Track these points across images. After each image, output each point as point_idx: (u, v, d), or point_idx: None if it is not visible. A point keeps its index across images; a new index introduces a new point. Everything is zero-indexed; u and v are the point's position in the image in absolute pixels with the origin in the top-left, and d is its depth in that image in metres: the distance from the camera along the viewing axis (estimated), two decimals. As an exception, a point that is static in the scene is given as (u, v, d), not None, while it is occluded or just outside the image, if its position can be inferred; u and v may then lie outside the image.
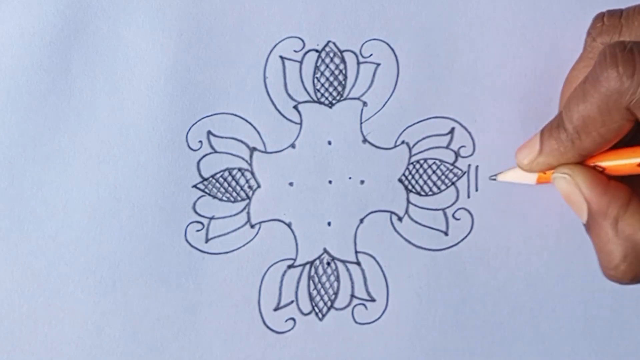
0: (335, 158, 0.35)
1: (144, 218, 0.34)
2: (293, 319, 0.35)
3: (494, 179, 0.33)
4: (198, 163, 0.35)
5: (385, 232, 0.35)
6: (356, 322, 0.35)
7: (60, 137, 0.34)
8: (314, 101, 0.35)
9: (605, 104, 0.27)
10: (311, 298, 0.35)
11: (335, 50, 0.35)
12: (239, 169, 0.35)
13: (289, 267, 0.35)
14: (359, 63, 0.35)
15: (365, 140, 0.35)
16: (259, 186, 0.35)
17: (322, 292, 0.35)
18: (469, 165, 0.35)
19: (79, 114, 0.34)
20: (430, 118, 0.35)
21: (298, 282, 0.35)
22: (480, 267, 0.35)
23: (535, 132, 0.31)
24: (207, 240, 0.35)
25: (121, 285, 0.34)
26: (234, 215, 0.35)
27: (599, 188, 0.29)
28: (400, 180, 0.35)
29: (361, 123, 0.35)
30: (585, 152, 0.29)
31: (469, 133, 0.35)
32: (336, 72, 0.35)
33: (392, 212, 0.35)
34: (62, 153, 0.34)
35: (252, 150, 0.35)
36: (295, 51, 0.35)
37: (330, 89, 0.35)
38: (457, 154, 0.35)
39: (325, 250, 0.35)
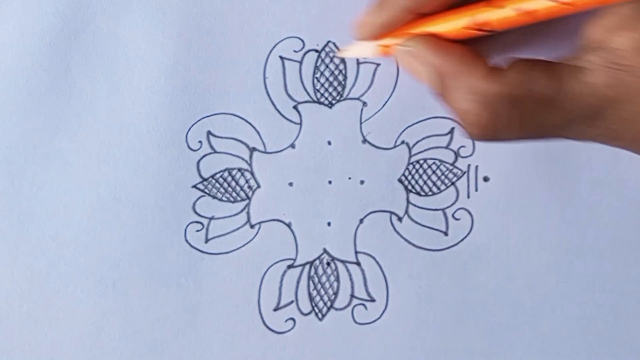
0: (335, 158, 0.35)
1: (144, 218, 0.34)
2: (293, 319, 0.35)
3: (338, 57, 0.34)
4: (198, 163, 0.35)
5: (385, 232, 0.35)
6: (356, 322, 0.35)
7: (60, 137, 0.34)
8: (314, 101, 0.35)
9: None
10: (311, 298, 0.35)
11: (335, 50, 0.35)
12: (239, 169, 0.35)
13: (289, 267, 0.35)
14: (358, 63, 0.35)
15: (365, 141, 0.35)
16: (258, 186, 0.35)
17: (322, 292, 0.35)
18: (469, 165, 0.35)
19: (79, 114, 0.34)
20: (430, 118, 0.35)
21: (298, 282, 0.35)
22: (480, 267, 0.35)
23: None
24: (206, 241, 0.35)
25: (121, 285, 0.34)
26: (234, 215, 0.35)
27: (444, 50, 0.29)
28: (400, 181, 0.35)
29: (361, 123, 0.35)
30: (422, 3, 0.29)
31: (469, 133, 0.35)
32: (336, 72, 0.35)
33: (392, 212, 0.35)
34: (62, 153, 0.34)
35: (252, 150, 0.35)
36: (295, 51, 0.35)
37: (330, 89, 0.35)
38: (457, 154, 0.35)
39: (325, 251, 0.35)
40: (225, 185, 0.35)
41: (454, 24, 0.29)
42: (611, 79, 0.27)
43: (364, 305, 0.35)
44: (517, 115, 0.28)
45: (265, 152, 0.35)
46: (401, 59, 0.30)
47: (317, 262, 0.35)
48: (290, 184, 0.35)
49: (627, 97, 0.27)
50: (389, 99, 0.35)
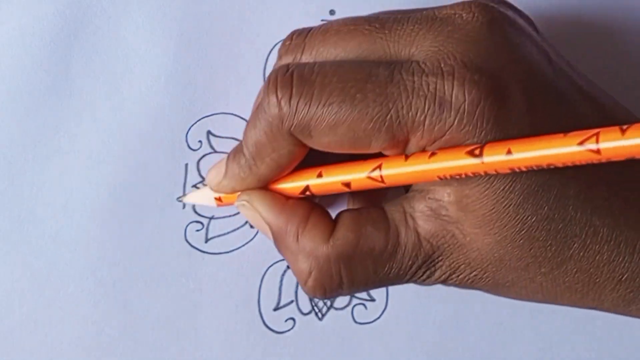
0: (335, 158, 0.35)
1: (144, 218, 0.34)
2: (293, 318, 0.35)
3: (180, 201, 0.34)
4: (198, 163, 0.35)
5: (385, 232, 0.35)
6: (356, 321, 0.35)
7: (60, 137, 0.34)
8: (314, 101, 0.35)
9: (270, 130, 0.28)
10: (311, 298, 0.35)
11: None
12: (239, 169, 0.35)
13: (289, 267, 0.35)
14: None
15: (365, 140, 0.35)
16: (258, 186, 0.35)
17: (322, 292, 0.35)
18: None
19: (79, 114, 0.34)
20: (430, 118, 0.35)
21: (298, 282, 0.35)
22: (480, 267, 0.35)
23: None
24: (207, 240, 0.35)
25: (121, 285, 0.34)
26: (234, 215, 0.35)
27: (275, 208, 0.29)
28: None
29: (361, 123, 0.35)
30: (263, 177, 0.29)
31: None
32: (336, 72, 0.35)
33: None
34: (62, 153, 0.34)
35: (252, 150, 0.35)
36: (295, 51, 0.35)
37: (330, 89, 0.35)
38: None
39: (325, 250, 0.35)
40: (225, 185, 0.35)
41: (285, 187, 0.30)
42: (436, 227, 0.27)
43: (363, 304, 0.35)
44: (347, 273, 0.28)
45: (265, 152, 0.35)
46: (240, 209, 0.30)
47: (317, 262, 0.35)
48: (290, 184, 0.35)
49: (452, 247, 0.27)
50: (388, 98, 0.35)
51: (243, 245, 0.35)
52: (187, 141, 0.35)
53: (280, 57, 0.31)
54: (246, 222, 0.35)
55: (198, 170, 0.35)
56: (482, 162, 0.25)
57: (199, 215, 0.35)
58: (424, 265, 0.28)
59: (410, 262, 0.28)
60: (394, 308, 0.35)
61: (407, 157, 0.27)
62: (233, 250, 0.35)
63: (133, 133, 0.34)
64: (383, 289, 0.35)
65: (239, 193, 0.30)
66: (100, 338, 0.34)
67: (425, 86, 0.26)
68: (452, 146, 0.26)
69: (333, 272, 0.28)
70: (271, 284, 0.35)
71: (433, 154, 0.26)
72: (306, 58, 0.29)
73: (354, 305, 0.35)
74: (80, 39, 0.35)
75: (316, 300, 0.35)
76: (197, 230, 0.35)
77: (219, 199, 0.31)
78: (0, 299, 0.34)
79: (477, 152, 0.25)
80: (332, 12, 0.35)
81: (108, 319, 0.34)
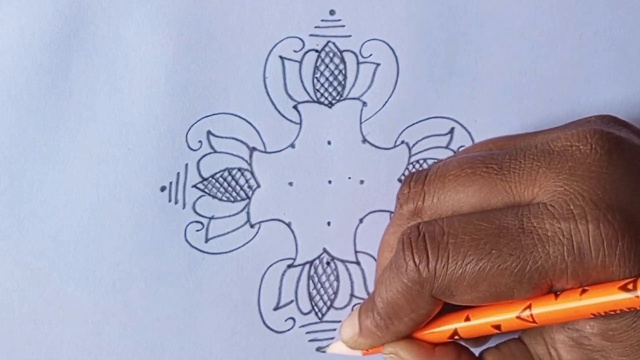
0: (335, 158, 0.35)
1: (144, 218, 0.34)
2: (293, 318, 0.35)
3: (324, 352, 0.34)
4: (198, 163, 0.35)
5: (385, 232, 0.35)
6: (356, 322, 0.35)
7: (60, 137, 0.34)
8: (314, 101, 0.35)
9: (410, 293, 0.28)
10: (311, 298, 0.35)
11: (335, 50, 0.35)
12: (239, 169, 0.35)
13: (289, 266, 0.35)
14: (358, 63, 0.35)
15: (365, 140, 0.35)
16: (258, 186, 0.35)
17: (322, 291, 0.35)
18: (469, 165, 0.35)
19: (79, 114, 0.34)
20: (430, 118, 0.35)
21: (298, 282, 0.35)
22: (480, 267, 0.35)
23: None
24: (206, 240, 0.35)
25: (121, 285, 0.34)
26: (234, 215, 0.35)
27: (424, 358, 0.29)
28: (400, 180, 0.35)
29: (361, 123, 0.35)
30: (401, 334, 0.30)
31: (469, 133, 0.35)
32: (336, 72, 0.35)
33: (392, 212, 0.35)
34: (62, 153, 0.34)
35: (252, 150, 0.35)
36: (294, 51, 0.35)
37: (330, 89, 0.35)
38: (456, 154, 0.35)
39: (324, 250, 0.35)
40: (225, 185, 0.35)
41: (432, 333, 0.30)
42: (581, 357, 0.28)
43: (364, 305, 0.35)
44: None
45: (265, 152, 0.35)
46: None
47: (317, 261, 0.35)
48: (290, 184, 0.35)
49: None
50: (389, 99, 0.35)
51: (243, 245, 0.35)
52: (187, 141, 0.35)
53: (400, 205, 0.31)
54: (246, 222, 0.35)
55: (198, 170, 0.35)
56: (637, 296, 0.25)
57: (199, 215, 0.35)
58: None
59: None
60: (394, 308, 0.35)
61: (557, 295, 0.27)
62: (233, 250, 0.35)
63: (133, 133, 0.34)
64: (383, 289, 0.35)
65: (384, 345, 0.30)
66: (100, 338, 0.34)
67: (559, 233, 0.26)
68: (599, 283, 0.26)
69: None
70: (271, 284, 0.35)
71: (584, 290, 0.26)
72: (427, 205, 0.30)
73: (354, 305, 0.35)
74: (80, 39, 0.35)
75: (316, 300, 0.35)
76: (197, 230, 0.35)
77: (366, 350, 0.32)
78: (0, 299, 0.34)
79: (630, 286, 0.25)
80: (332, 12, 0.35)
81: (108, 319, 0.34)
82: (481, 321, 0.29)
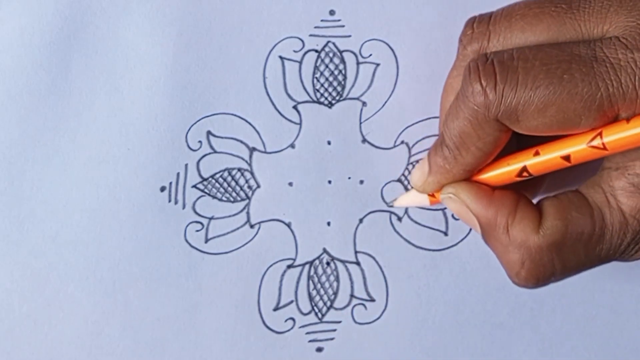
0: (335, 158, 0.35)
1: (144, 218, 0.34)
2: (293, 318, 0.35)
3: (391, 206, 0.35)
4: (198, 163, 0.35)
5: (385, 232, 0.35)
6: (356, 321, 0.35)
7: (60, 137, 0.34)
8: (314, 101, 0.35)
9: (476, 118, 0.28)
10: (311, 298, 0.35)
11: (335, 50, 0.35)
12: (239, 169, 0.35)
13: (289, 267, 0.35)
14: (358, 63, 0.35)
15: (364, 140, 0.35)
16: (258, 186, 0.35)
17: (322, 292, 0.35)
18: (469, 165, 0.35)
19: (79, 114, 0.34)
20: (430, 118, 0.35)
21: (297, 282, 0.35)
22: (480, 267, 0.35)
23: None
24: (206, 240, 0.35)
25: (121, 285, 0.34)
26: (234, 215, 0.35)
27: (484, 200, 0.29)
28: (400, 181, 0.35)
29: (360, 123, 0.35)
30: (469, 167, 0.30)
31: (469, 133, 0.35)
32: (336, 72, 0.35)
33: (391, 212, 0.35)
34: (62, 153, 0.34)
35: (252, 150, 0.35)
36: (294, 51, 0.35)
37: (330, 89, 0.35)
38: (456, 154, 0.35)
39: (324, 250, 0.35)
40: (225, 185, 0.35)
41: (498, 174, 0.30)
42: None
43: (363, 305, 0.35)
44: (560, 261, 0.29)
45: (265, 152, 0.35)
46: (445, 203, 0.31)
47: (317, 262, 0.35)
48: (290, 184, 0.35)
49: None
50: (388, 99, 0.35)
51: (243, 246, 0.35)
52: (187, 141, 0.35)
53: (464, 46, 0.31)
54: (246, 223, 0.35)
55: (198, 170, 0.35)
56: None
57: (199, 215, 0.35)
58: (632, 242, 0.28)
59: (619, 241, 0.28)
60: (394, 308, 0.35)
61: (628, 120, 0.27)
62: (233, 250, 0.35)
63: (133, 133, 0.34)
64: (383, 290, 0.35)
65: (444, 188, 0.30)
66: (100, 338, 0.34)
67: (632, 62, 0.26)
68: None
69: (546, 261, 0.28)
70: (271, 284, 0.35)
71: None
72: (493, 45, 0.29)
73: (354, 306, 0.35)
74: (80, 39, 0.35)
75: (316, 300, 0.35)
76: (197, 231, 0.35)
77: (432, 196, 0.32)
78: (0, 299, 0.34)
79: None
80: (332, 12, 0.35)
81: (108, 319, 0.34)
82: (550, 155, 0.28)
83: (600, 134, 0.27)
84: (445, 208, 0.35)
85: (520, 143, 0.30)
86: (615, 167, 0.28)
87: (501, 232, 0.29)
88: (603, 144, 0.27)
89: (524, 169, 0.29)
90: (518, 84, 0.27)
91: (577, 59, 0.26)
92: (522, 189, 0.31)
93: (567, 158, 0.28)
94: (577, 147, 0.28)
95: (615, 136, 0.27)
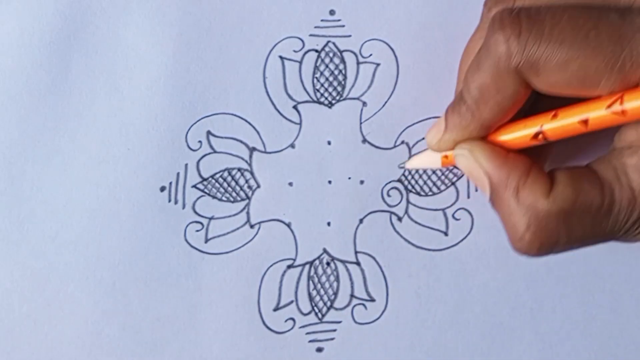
0: (335, 158, 0.35)
1: (144, 218, 0.34)
2: (293, 318, 0.35)
3: (402, 167, 0.34)
4: (198, 163, 0.35)
5: (385, 232, 0.35)
6: (356, 321, 0.35)
7: (60, 137, 0.34)
8: (314, 101, 0.35)
9: (497, 68, 0.28)
10: (311, 298, 0.35)
11: (335, 50, 0.35)
12: (239, 169, 0.35)
13: (289, 267, 0.35)
14: (358, 63, 0.35)
15: (364, 140, 0.35)
16: (258, 186, 0.35)
17: (322, 292, 0.35)
18: (469, 165, 0.35)
19: (79, 114, 0.34)
20: (430, 118, 0.35)
21: (298, 282, 0.35)
22: (480, 267, 0.35)
23: None
24: (206, 240, 0.35)
25: (121, 285, 0.34)
26: (234, 215, 0.35)
27: (497, 160, 0.29)
28: (400, 180, 0.35)
29: (361, 123, 0.35)
30: (486, 122, 0.29)
31: (469, 133, 0.35)
32: (336, 72, 0.35)
33: (391, 212, 0.35)
34: (62, 153, 0.34)
35: (252, 150, 0.35)
36: (294, 51, 0.35)
37: (330, 89, 0.35)
38: (456, 154, 0.35)
39: (324, 250, 0.35)
40: (225, 185, 0.35)
41: (514, 136, 0.29)
42: None
43: (363, 305, 0.35)
44: (565, 229, 0.28)
45: (265, 152, 0.35)
46: (457, 161, 0.30)
47: (317, 262, 0.35)
48: (290, 184, 0.35)
49: None
50: (388, 99, 0.35)
51: (243, 246, 0.35)
52: (187, 141, 0.35)
53: (488, 9, 0.30)
54: (246, 223, 0.35)
55: (198, 170, 0.35)
56: None
57: (199, 215, 0.35)
58: (638, 220, 0.28)
59: (625, 218, 0.28)
60: (394, 308, 0.35)
61: None
62: (233, 250, 0.35)
63: (133, 133, 0.34)
64: (383, 289, 0.35)
65: (458, 145, 0.30)
66: (100, 338, 0.34)
67: None
68: None
69: (552, 227, 0.28)
70: (271, 284, 0.35)
71: None
72: (519, 7, 0.29)
73: (354, 306, 0.35)
74: (80, 39, 0.35)
75: (316, 300, 0.35)
76: (197, 231, 0.35)
77: (445, 157, 0.31)
78: (0, 299, 0.34)
79: None
80: (332, 12, 0.35)
81: (108, 319, 0.34)
82: (568, 120, 0.28)
83: (621, 99, 0.27)
84: (446, 207, 0.35)
85: (537, 111, 0.30)
86: (628, 145, 0.28)
87: (511, 193, 0.29)
88: (623, 110, 0.26)
89: (540, 131, 0.29)
90: (543, 35, 0.26)
91: (606, 20, 0.26)
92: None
93: (585, 122, 0.28)
94: (596, 113, 0.27)
95: (637, 102, 0.26)
